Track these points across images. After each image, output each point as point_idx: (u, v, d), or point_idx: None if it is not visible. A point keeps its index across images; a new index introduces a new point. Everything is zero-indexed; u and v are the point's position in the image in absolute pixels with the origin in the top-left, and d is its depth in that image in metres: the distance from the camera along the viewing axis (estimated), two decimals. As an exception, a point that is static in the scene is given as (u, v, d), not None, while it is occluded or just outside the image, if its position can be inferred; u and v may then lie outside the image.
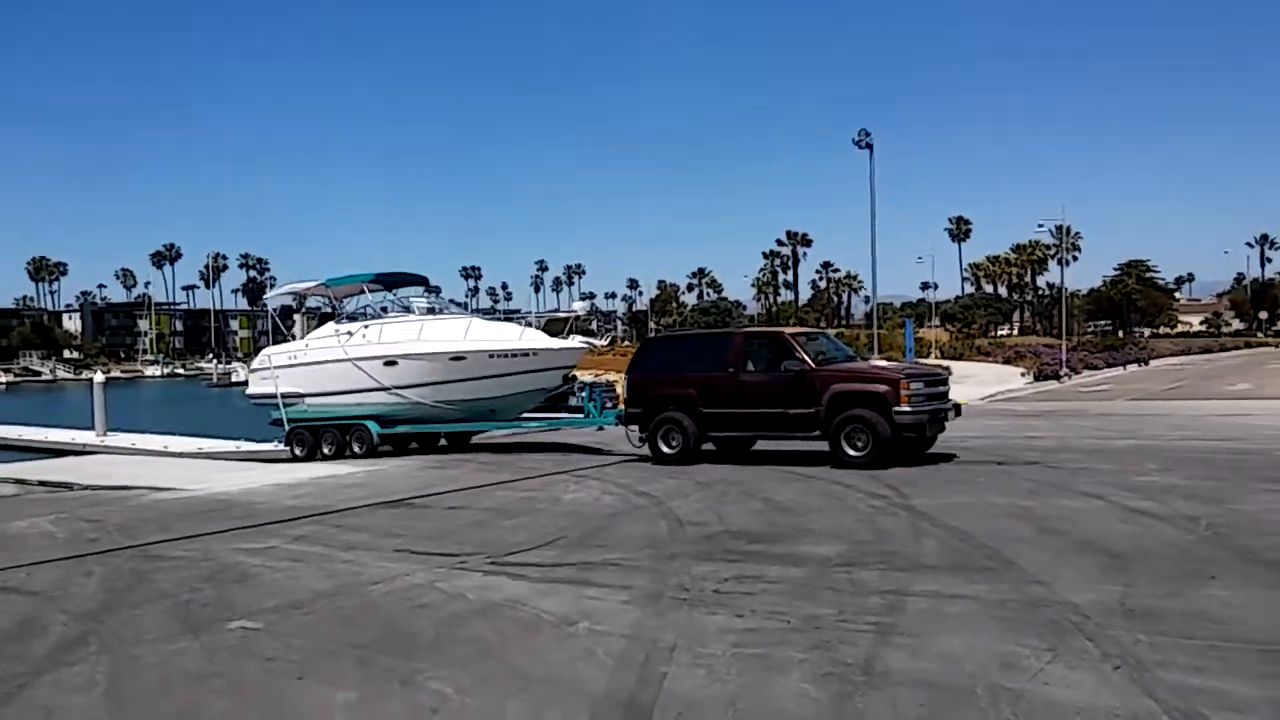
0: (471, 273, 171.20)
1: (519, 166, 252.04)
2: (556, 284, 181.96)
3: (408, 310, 21.17)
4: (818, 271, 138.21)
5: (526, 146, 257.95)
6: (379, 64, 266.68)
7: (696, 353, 16.67)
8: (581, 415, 19.25)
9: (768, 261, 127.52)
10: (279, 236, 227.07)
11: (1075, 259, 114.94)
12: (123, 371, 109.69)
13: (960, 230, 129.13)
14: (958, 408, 15.39)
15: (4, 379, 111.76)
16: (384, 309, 21.33)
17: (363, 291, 21.62)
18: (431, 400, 19.47)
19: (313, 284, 22.81)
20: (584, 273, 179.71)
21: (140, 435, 31.34)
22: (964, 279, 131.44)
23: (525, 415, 19.95)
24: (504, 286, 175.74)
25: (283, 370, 20.80)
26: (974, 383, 36.44)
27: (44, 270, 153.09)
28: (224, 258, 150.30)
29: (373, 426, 19.71)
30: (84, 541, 10.71)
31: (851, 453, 13.75)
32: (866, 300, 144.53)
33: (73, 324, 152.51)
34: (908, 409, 13.59)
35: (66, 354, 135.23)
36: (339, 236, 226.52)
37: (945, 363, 46.25)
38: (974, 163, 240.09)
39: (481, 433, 21.00)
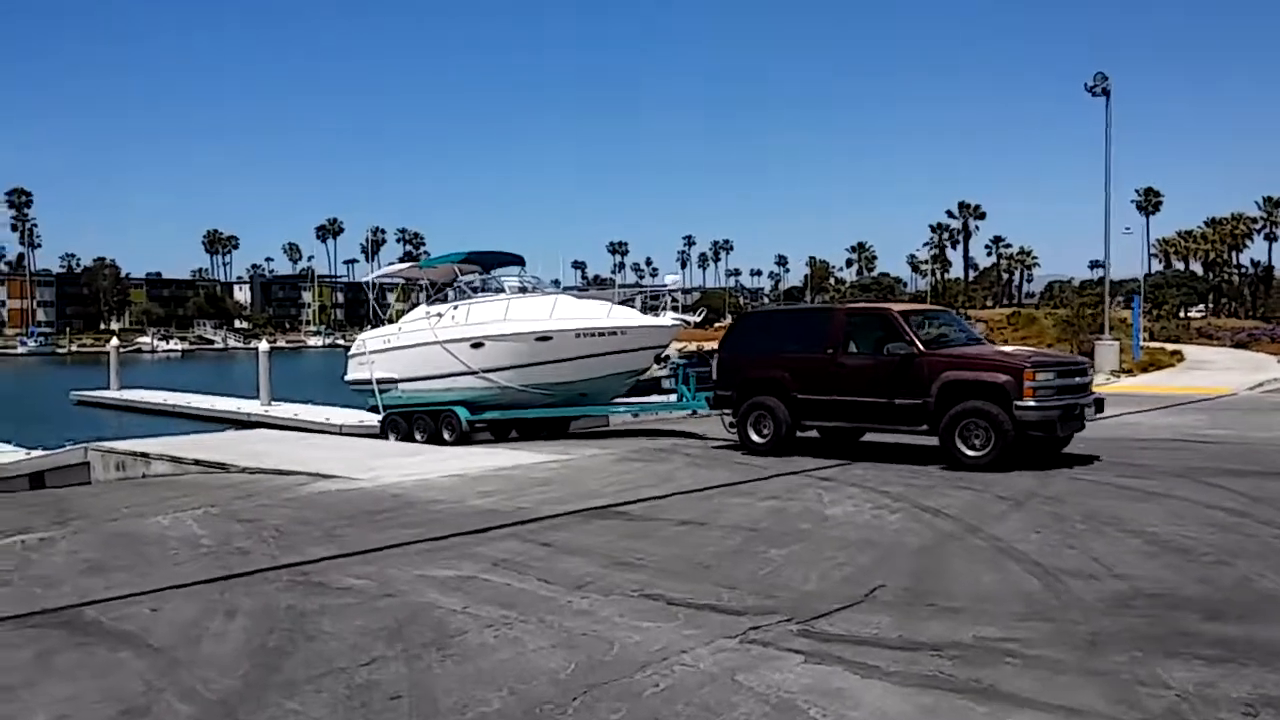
0: (618, 248, 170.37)
1: (666, 137, 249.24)
2: (703, 259, 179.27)
3: (499, 290, 19.82)
4: (987, 246, 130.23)
5: (675, 114, 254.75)
6: (523, 36, 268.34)
7: (793, 331, 14.80)
8: (675, 398, 17.84)
9: (934, 235, 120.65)
10: (436, 211, 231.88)
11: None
12: (287, 341, 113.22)
13: (1149, 203, 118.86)
14: (1100, 402, 12.92)
15: (180, 346, 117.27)
16: (474, 289, 20.13)
17: (455, 273, 20.47)
18: (519, 384, 18.33)
19: (408, 266, 22.84)
20: (731, 248, 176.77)
21: (303, 406, 30.18)
22: (1151, 255, 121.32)
23: (616, 399, 18.83)
24: (648, 262, 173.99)
25: (377, 355, 20.14)
26: (1218, 369, 31.55)
27: (217, 243, 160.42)
28: (383, 232, 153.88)
29: (462, 412, 18.58)
30: (233, 553, 8.38)
31: (968, 452, 11.81)
32: (1031, 278, 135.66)
33: (243, 295, 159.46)
34: (1033, 403, 11.55)
35: (237, 324, 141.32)
36: (489, 211, 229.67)
37: (1169, 346, 40.96)
38: (1165, 132, 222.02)
39: (578, 419, 19.52)
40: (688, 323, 19.00)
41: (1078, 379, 12.59)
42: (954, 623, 5.79)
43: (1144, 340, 50.33)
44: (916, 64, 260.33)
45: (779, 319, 17.40)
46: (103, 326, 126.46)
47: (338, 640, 5.79)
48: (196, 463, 15.31)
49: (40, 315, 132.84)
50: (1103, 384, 27.17)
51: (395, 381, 19.86)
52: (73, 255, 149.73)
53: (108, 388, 46.50)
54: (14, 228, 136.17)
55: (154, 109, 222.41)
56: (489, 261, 21.14)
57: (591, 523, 9.32)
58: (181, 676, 5.28)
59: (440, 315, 19.64)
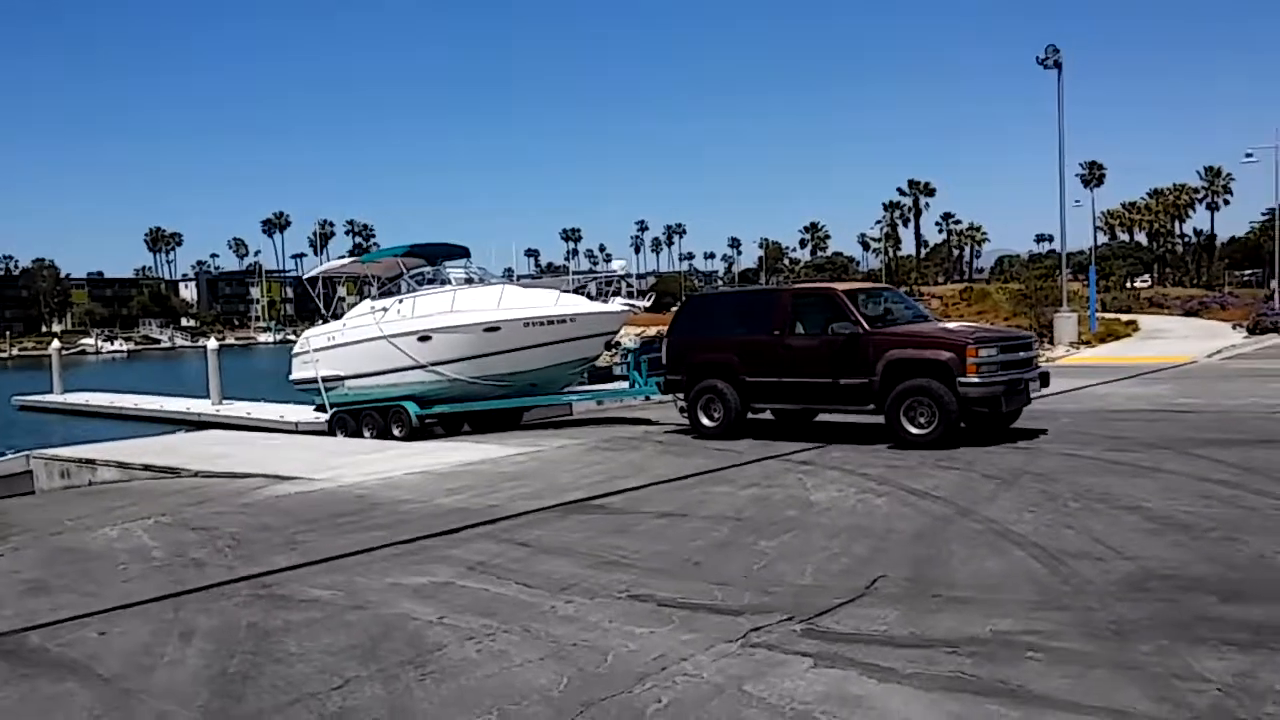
0: (571, 235, 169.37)
1: (617, 123, 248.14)
2: (656, 244, 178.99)
3: (445, 282, 19.30)
4: (937, 223, 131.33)
5: (626, 100, 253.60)
6: (469, 26, 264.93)
7: (740, 313, 14.66)
8: (627, 385, 17.70)
9: (887, 213, 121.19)
10: (381, 203, 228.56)
11: (1227, 203, 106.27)
12: (236, 339, 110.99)
13: (1093, 175, 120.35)
14: (1045, 377, 12.84)
15: (126, 347, 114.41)
16: (419, 282, 19.61)
17: (400, 266, 20.04)
18: (469, 376, 18.08)
19: (349, 261, 22.25)
20: (684, 232, 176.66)
21: (256, 404, 29.36)
22: (1096, 228, 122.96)
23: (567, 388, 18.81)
24: (601, 248, 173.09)
25: (322, 353, 19.77)
26: (1175, 338, 31.88)
27: (161, 241, 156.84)
28: (331, 224, 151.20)
29: (411, 407, 18.29)
30: (187, 566, 7.84)
31: (913, 430, 11.77)
32: (980, 253, 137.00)
33: (189, 292, 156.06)
34: (976, 379, 11.47)
35: (184, 322, 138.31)
36: (440, 202, 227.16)
37: (1122, 316, 41.42)
38: (1106, 106, 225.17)
39: (530, 409, 19.25)
40: (636, 308, 18.81)
41: (1021, 354, 12.48)
42: (965, 615, 5.46)
43: (1098, 311, 51.00)
44: (863, 43, 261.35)
45: (726, 301, 17.17)
46: (44, 329, 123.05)
47: (305, 662, 5.32)
48: (145, 468, 14.65)
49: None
50: (1064, 356, 27.31)
51: (341, 379, 19.52)
52: (10, 257, 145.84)
53: (51, 391, 45.10)
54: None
55: (91, 106, 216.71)
56: (433, 254, 20.63)
57: (569, 518, 8.90)
58: (134, 710, 4.79)
59: (385, 309, 19.26)
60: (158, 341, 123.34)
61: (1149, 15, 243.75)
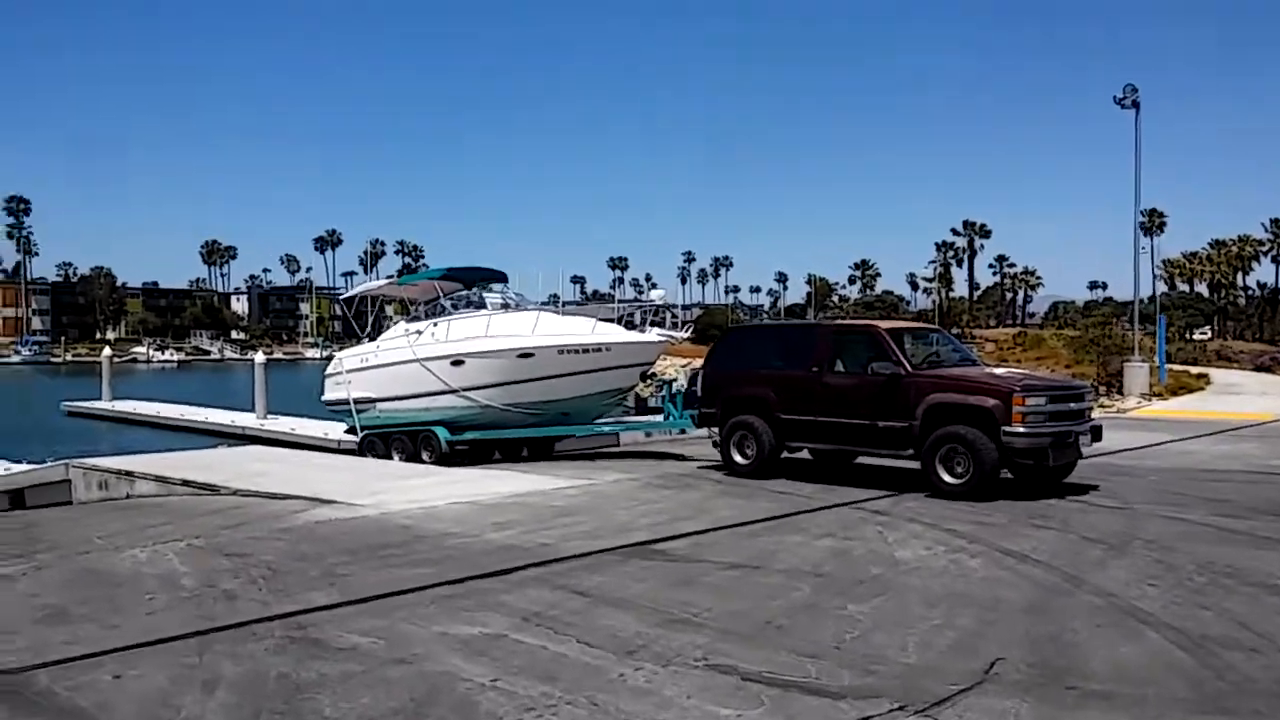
0: (618, 263, 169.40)
1: (668, 153, 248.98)
2: (702, 276, 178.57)
3: (481, 306, 19.05)
4: (990, 265, 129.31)
5: (679, 129, 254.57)
6: (525, 54, 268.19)
7: (779, 348, 14.25)
8: (661, 417, 17.46)
9: (940, 253, 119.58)
10: (436, 224, 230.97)
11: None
12: (284, 353, 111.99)
13: (1153, 223, 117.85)
14: (1098, 430, 12.14)
15: (176, 357, 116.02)
16: (455, 306, 19.36)
17: (436, 290, 19.85)
18: (501, 403, 17.78)
19: (385, 283, 22.20)
20: (731, 265, 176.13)
21: (300, 420, 29.11)
22: (1156, 276, 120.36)
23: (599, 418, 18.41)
24: (648, 277, 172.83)
25: (355, 374, 19.55)
26: (1249, 394, 30.49)
27: (215, 254, 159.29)
28: (382, 244, 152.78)
29: (441, 433, 18.01)
30: (218, 598, 7.21)
31: (947, 479, 11.24)
32: (1031, 298, 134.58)
33: (240, 306, 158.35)
34: (1021, 429, 10.89)
35: (234, 334, 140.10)
36: (489, 226, 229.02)
37: (1191, 369, 39.90)
38: (1168, 153, 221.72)
39: (564, 439, 18.89)
40: (675, 339, 18.41)
41: (1073, 405, 11.81)
42: (1113, 715, 4.64)
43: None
44: (918, 82, 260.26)
45: (764, 335, 16.68)
46: (98, 336, 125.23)
47: (341, 728, 4.63)
48: (184, 483, 14.13)
49: (36, 324, 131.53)
50: (1136, 407, 26.12)
51: (373, 401, 19.20)
52: (69, 264, 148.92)
53: (100, 398, 45.42)
54: (10, 235, 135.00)
55: (153, 117, 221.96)
56: (470, 278, 20.36)
57: (629, 564, 8.16)
58: (142, 782, 4.12)
59: (419, 333, 18.96)
60: (207, 353, 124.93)
61: (1213, 63, 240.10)
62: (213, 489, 13.57)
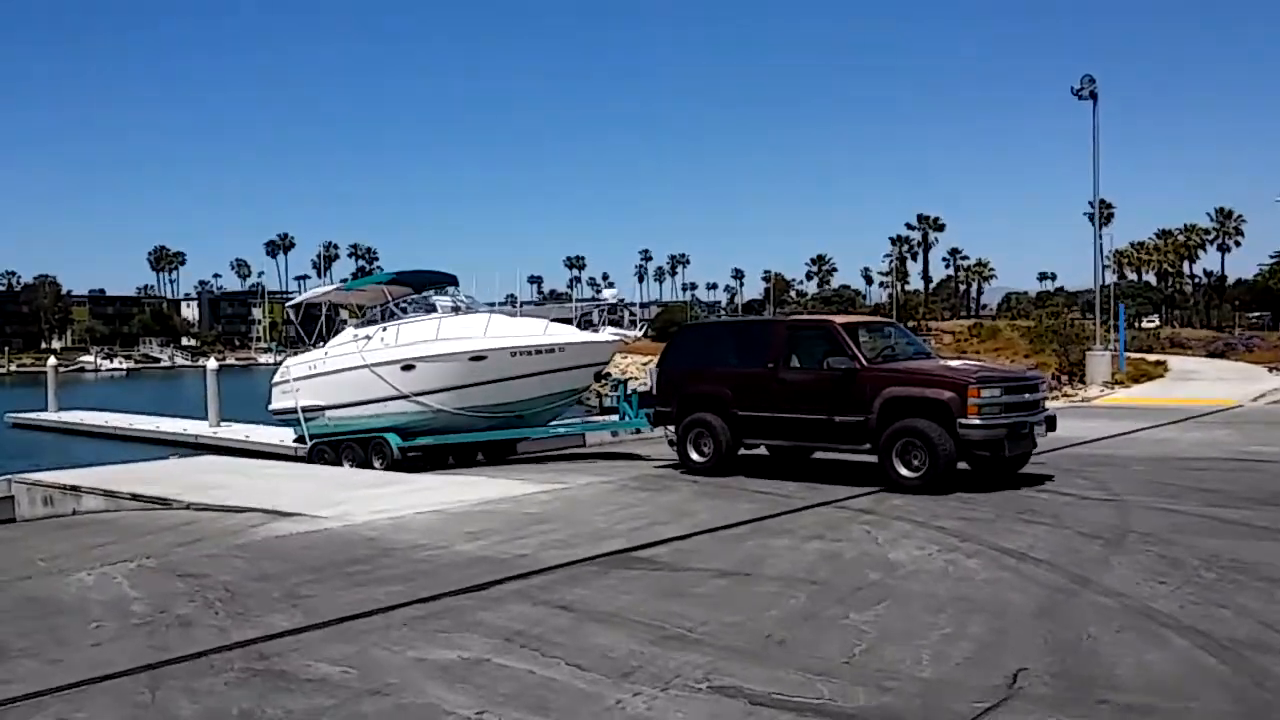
0: (575, 262, 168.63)
1: (622, 152, 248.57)
2: (659, 274, 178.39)
3: (431, 310, 18.78)
4: (944, 258, 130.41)
5: (633, 129, 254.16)
6: (480, 55, 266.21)
7: (734, 345, 14.07)
8: (617, 417, 17.23)
9: (895, 247, 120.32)
10: (386, 227, 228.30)
11: (1238, 244, 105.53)
12: (237, 359, 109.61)
13: (1102, 213, 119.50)
14: (1052, 420, 12.05)
15: (125, 365, 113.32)
16: (404, 310, 19.08)
17: (385, 294, 19.58)
18: (453, 407, 17.54)
19: (332, 289, 21.87)
20: (688, 262, 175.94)
21: (254, 426, 28.30)
22: (1104, 266, 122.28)
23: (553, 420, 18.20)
24: (605, 276, 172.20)
25: (303, 382, 19.24)
26: (1209, 379, 30.77)
27: (164, 259, 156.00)
28: (335, 247, 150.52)
29: (393, 439, 17.75)
30: (172, 625, 6.66)
31: (905, 472, 11.15)
32: (983, 290, 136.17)
33: (190, 312, 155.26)
34: (976, 420, 10.83)
35: (184, 341, 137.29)
36: (444, 227, 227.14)
37: (1148, 356, 40.31)
38: (1115, 144, 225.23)
39: (522, 441, 18.69)
40: (627, 337, 18.16)
41: (1027, 395, 11.75)
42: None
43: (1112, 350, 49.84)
44: (868, 75, 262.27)
45: (719, 332, 16.43)
46: (44, 345, 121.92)
47: (314, 775, 4.15)
48: (134, 497, 13.46)
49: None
50: (1100, 396, 26.19)
51: (322, 409, 18.89)
52: (12, 272, 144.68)
53: (46, 409, 44.05)
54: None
55: (99, 123, 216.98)
56: (419, 281, 20.05)
57: (612, 575, 7.73)
58: None
59: (368, 338, 18.64)
60: (158, 360, 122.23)
61: (1159, 57, 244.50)
62: (164, 503, 12.92)
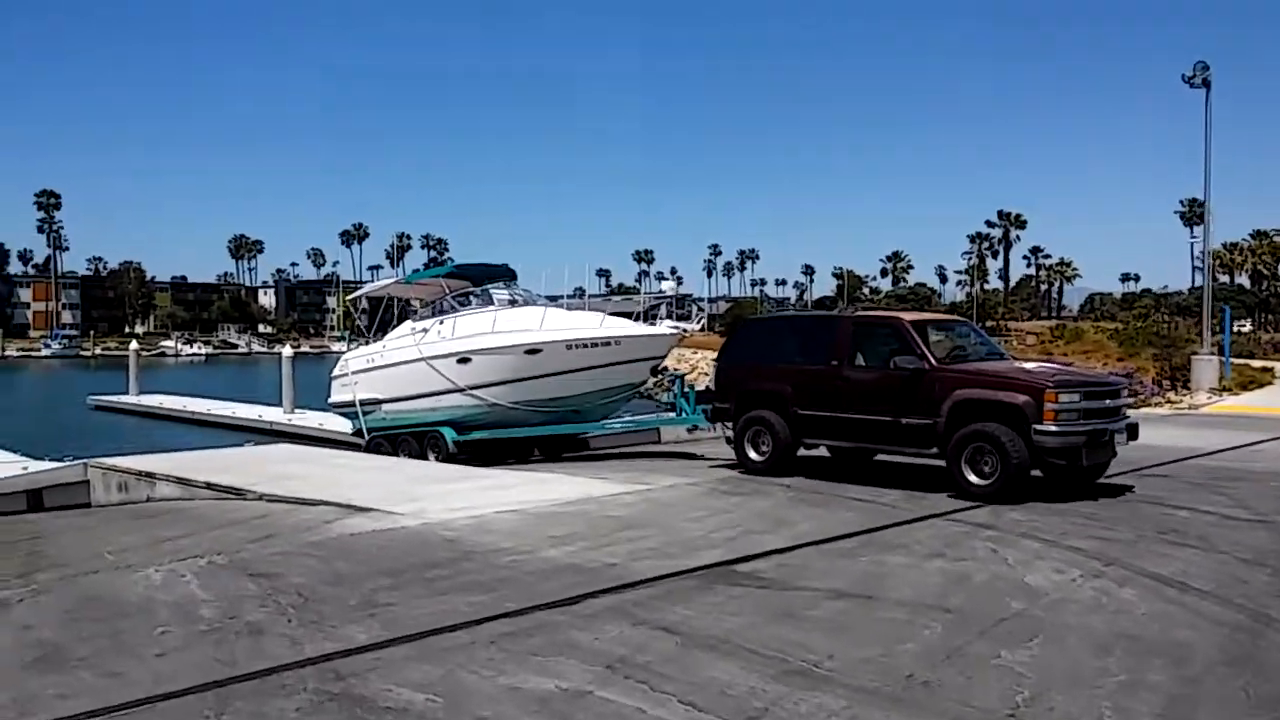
0: (644, 256, 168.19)
1: (693, 146, 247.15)
2: (728, 269, 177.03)
3: (488, 303, 18.53)
4: (1025, 257, 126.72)
5: (706, 123, 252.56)
6: (568, 54, 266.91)
7: (796, 341, 13.55)
8: (674, 414, 16.74)
9: (974, 244, 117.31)
10: (458, 218, 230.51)
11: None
12: (311, 347, 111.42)
13: (1193, 213, 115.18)
14: (1134, 428, 11.37)
15: (204, 350, 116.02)
16: (461, 303, 18.88)
17: (443, 288, 19.44)
18: (508, 401, 17.28)
19: (391, 282, 21.93)
20: (757, 257, 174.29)
21: (327, 415, 28.04)
22: (1195, 268, 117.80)
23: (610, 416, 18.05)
24: (673, 271, 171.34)
25: (361, 375, 19.23)
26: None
27: (243, 248, 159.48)
28: (408, 238, 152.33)
29: (448, 433, 17.57)
30: (241, 633, 6.12)
31: (974, 479, 10.56)
32: (1063, 291, 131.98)
33: (267, 300, 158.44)
34: (1053, 427, 10.23)
35: (261, 328, 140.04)
36: (515, 219, 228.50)
37: (1252, 362, 38.19)
38: (1203, 142, 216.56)
39: (574, 437, 18.41)
40: (686, 331, 17.72)
41: (1108, 401, 11.09)
42: None
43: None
44: (947, 71, 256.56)
45: (781, 327, 15.58)
46: (127, 330, 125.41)
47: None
48: (208, 486, 13.12)
49: (66, 318, 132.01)
50: (1208, 403, 24.66)
51: (379, 402, 18.83)
52: (99, 258, 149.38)
53: (127, 392, 44.87)
54: (41, 229, 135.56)
55: (182, 113, 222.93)
56: (477, 275, 19.77)
57: (715, 590, 7.01)
58: None
59: (425, 331, 18.53)
60: (235, 346, 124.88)
61: (1255, 55, 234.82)
62: (238, 493, 12.55)
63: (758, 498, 11.22)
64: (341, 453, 18.10)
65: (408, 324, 19.55)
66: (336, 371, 20.46)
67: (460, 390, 17.51)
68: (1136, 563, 7.63)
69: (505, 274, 20.34)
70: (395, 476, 13.78)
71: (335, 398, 20.28)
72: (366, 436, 18.95)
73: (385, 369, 18.88)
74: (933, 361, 11.28)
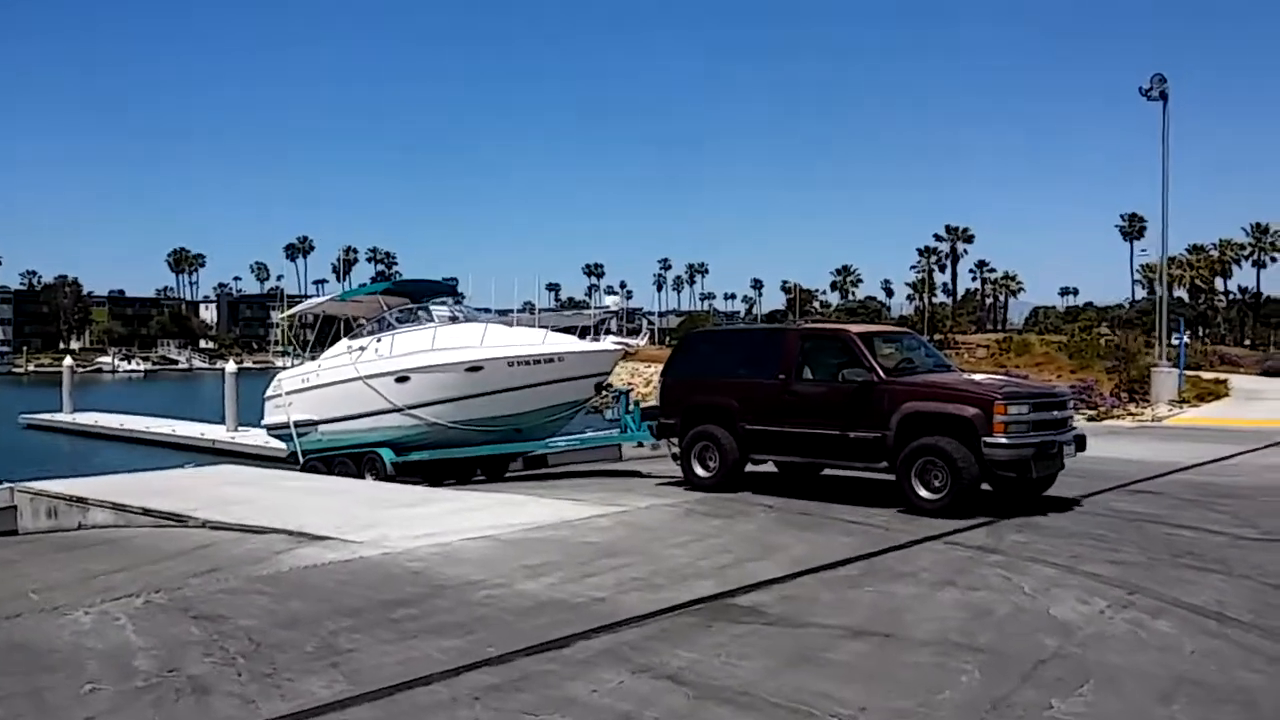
0: (594, 270, 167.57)
1: (641, 160, 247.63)
2: (678, 283, 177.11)
3: (428, 320, 18.09)
4: (971, 271, 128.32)
5: (654, 138, 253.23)
6: (488, 59, 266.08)
7: (743, 354, 13.27)
8: (618, 430, 16.19)
9: (922, 258, 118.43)
10: (408, 232, 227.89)
11: (1274, 259, 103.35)
12: (255, 362, 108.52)
13: (1133, 228, 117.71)
14: (1081, 440, 11.25)
15: (143, 367, 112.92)
16: (400, 320, 18.40)
17: (381, 305, 18.91)
18: (448, 420, 16.86)
19: (325, 299, 21.44)
20: (707, 271, 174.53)
21: (274, 434, 27.01)
22: (1135, 281, 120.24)
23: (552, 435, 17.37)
24: (623, 285, 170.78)
25: (295, 395, 18.67)
26: (1277, 400, 29.07)
27: (184, 261, 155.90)
28: (355, 251, 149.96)
29: (386, 454, 17.12)
30: (183, 690, 5.33)
31: (924, 494, 10.39)
32: (1004, 304, 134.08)
33: (209, 314, 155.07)
34: (1003, 439, 10.08)
35: (202, 344, 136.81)
36: (463, 232, 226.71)
37: (1203, 374, 38.60)
38: (1146, 157, 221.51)
39: (516, 457, 18.08)
40: (630, 346, 17.41)
41: (1056, 413, 11.01)
42: None
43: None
44: (892, 84, 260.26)
45: (728, 340, 15.28)
46: (62, 345, 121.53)
47: None
48: (145, 512, 12.15)
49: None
50: (1169, 415, 24.63)
51: (314, 423, 18.31)
52: (33, 272, 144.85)
53: (60, 410, 43.17)
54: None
55: (120, 125, 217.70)
56: (417, 291, 19.35)
57: (717, 628, 6.36)
58: None
59: (362, 349, 18.04)
60: (175, 362, 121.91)
61: (1193, 70, 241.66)
62: (178, 519, 11.61)
63: (741, 520, 10.60)
64: (289, 474, 17.15)
65: (344, 342, 18.97)
66: (270, 392, 19.85)
67: (399, 410, 17.03)
68: (1162, 590, 7.13)
69: (447, 290, 19.93)
70: (349, 500, 12.92)
71: (269, 419, 19.70)
72: (302, 460, 18.34)
73: (321, 389, 18.36)
74: (881, 374, 11.10)
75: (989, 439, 10.05)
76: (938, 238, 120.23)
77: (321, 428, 18.27)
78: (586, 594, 7.30)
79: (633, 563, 8.40)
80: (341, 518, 11.10)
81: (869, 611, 6.76)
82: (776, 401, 11.87)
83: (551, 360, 16.17)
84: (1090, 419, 25.63)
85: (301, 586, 7.77)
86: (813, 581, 7.69)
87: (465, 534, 9.79)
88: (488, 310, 20.20)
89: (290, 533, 10.19)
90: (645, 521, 10.63)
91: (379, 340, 17.99)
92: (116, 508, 12.59)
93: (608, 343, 16.71)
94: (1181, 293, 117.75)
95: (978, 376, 12.64)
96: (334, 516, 11.20)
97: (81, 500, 13.20)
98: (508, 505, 12.06)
